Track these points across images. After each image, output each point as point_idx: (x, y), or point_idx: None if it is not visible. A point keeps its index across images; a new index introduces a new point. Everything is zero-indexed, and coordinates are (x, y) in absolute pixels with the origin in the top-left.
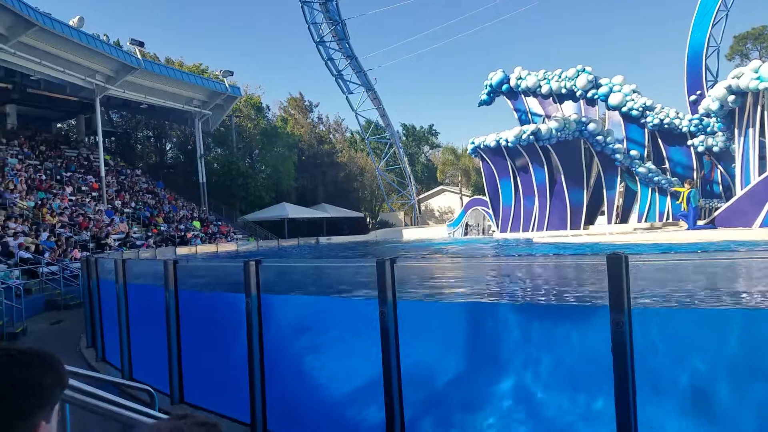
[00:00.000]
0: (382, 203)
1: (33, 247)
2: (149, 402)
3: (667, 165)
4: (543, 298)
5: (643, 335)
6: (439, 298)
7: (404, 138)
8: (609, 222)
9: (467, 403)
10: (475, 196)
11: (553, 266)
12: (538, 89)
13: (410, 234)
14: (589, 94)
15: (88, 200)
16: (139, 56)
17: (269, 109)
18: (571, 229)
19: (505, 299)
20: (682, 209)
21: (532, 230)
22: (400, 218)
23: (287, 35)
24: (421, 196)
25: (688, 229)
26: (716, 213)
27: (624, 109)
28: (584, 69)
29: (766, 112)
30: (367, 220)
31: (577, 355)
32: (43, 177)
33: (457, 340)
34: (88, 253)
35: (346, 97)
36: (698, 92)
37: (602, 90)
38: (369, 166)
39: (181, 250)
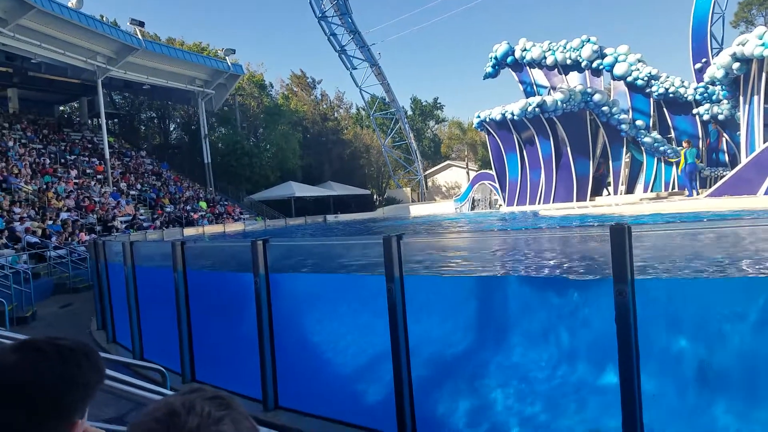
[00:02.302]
0: (388, 180)
1: (39, 231)
2: (161, 381)
3: (672, 134)
4: (548, 270)
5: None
6: (446, 273)
7: (411, 113)
8: (615, 193)
9: (476, 375)
10: (482, 171)
11: (558, 238)
12: (543, 60)
13: (417, 210)
14: (594, 65)
15: (93, 183)
16: (140, 36)
17: (272, 87)
18: (577, 200)
19: (510, 272)
20: (680, 170)
21: (539, 203)
22: (407, 194)
23: (288, 11)
24: (427, 172)
25: (687, 194)
26: (721, 181)
27: (629, 78)
28: (589, 39)
29: None
30: (374, 197)
31: (583, 327)
32: (47, 161)
33: (464, 313)
34: (95, 236)
35: (350, 72)
36: (703, 60)
37: (607, 60)
38: (375, 143)
39: (189, 231)
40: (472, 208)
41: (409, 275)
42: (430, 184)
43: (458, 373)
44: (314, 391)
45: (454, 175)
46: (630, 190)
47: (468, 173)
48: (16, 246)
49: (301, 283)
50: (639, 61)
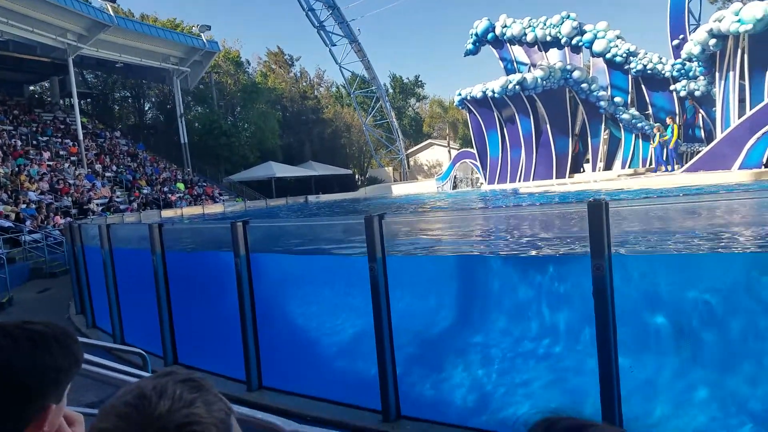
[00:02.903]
0: (370, 159)
1: (13, 216)
2: (142, 365)
3: (650, 111)
4: (527, 249)
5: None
6: (427, 252)
7: (391, 91)
8: (594, 169)
9: (456, 351)
10: (463, 149)
11: (538, 215)
12: (524, 37)
13: (399, 189)
14: (574, 41)
15: (67, 165)
16: (112, 13)
17: (249, 64)
18: (556, 178)
19: (489, 251)
20: (671, 145)
21: (519, 181)
22: (389, 174)
23: None
24: (409, 151)
25: (664, 169)
26: (697, 156)
27: (608, 55)
28: (569, 15)
29: (746, 56)
30: (356, 176)
31: (559, 302)
32: (19, 143)
33: (445, 291)
34: (71, 220)
35: (330, 49)
36: (681, 36)
37: (587, 36)
38: (356, 122)
39: (167, 213)
40: (454, 187)
41: (392, 256)
42: (411, 163)
43: (439, 349)
44: (298, 371)
45: (435, 154)
46: (608, 166)
47: (449, 152)
48: None
49: (283, 263)
50: (618, 37)
